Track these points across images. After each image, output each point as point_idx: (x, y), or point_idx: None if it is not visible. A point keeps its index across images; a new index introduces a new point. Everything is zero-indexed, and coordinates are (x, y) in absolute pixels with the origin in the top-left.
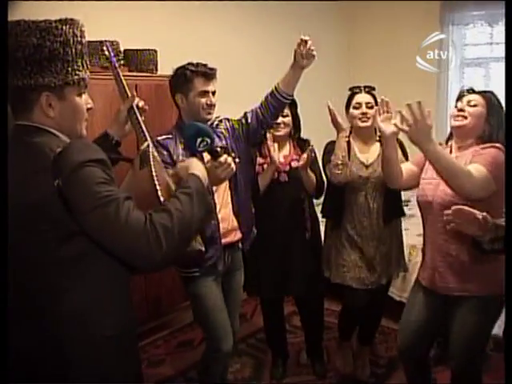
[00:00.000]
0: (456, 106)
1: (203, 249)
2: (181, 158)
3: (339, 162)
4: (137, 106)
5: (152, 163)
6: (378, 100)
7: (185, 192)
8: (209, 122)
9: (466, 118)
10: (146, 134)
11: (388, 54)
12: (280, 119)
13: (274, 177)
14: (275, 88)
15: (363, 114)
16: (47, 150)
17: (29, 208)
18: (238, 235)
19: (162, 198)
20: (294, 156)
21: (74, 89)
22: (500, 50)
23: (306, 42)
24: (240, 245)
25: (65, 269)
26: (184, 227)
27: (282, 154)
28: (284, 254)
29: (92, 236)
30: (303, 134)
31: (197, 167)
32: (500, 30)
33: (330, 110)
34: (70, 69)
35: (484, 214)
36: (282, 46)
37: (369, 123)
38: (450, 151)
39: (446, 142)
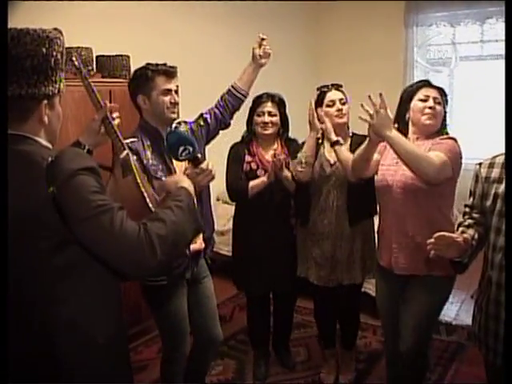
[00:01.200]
0: (420, 99)
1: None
2: (150, 162)
3: (303, 160)
4: (111, 114)
5: (135, 171)
6: (347, 96)
7: (177, 205)
8: (173, 125)
9: (435, 116)
10: (123, 142)
11: (354, 54)
12: (268, 118)
13: (261, 175)
14: (232, 86)
15: (339, 110)
16: (39, 159)
17: (21, 217)
18: (203, 243)
19: (150, 205)
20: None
21: (59, 97)
22: (462, 50)
23: (263, 39)
24: (204, 251)
25: (58, 277)
26: (177, 238)
27: (269, 153)
28: (272, 251)
29: (86, 245)
30: None
31: (186, 182)
32: (462, 29)
33: (309, 109)
34: (62, 77)
35: (465, 236)
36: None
37: (345, 119)
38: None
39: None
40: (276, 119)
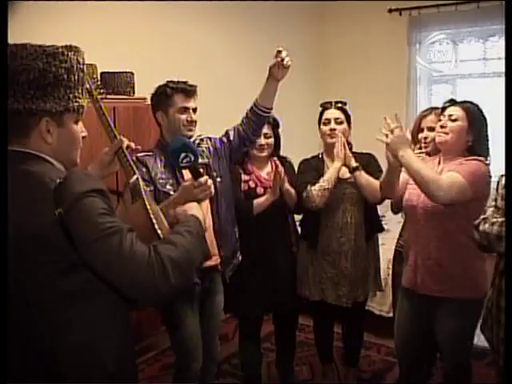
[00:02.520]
0: (440, 120)
1: (198, 281)
2: (159, 175)
3: (326, 187)
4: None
5: (145, 196)
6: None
7: (188, 230)
8: (191, 139)
9: (447, 133)
10: (134, 167)
11: (358, 69)
12: (264, 141)
13: (260, 193)
14: (254, 103)
15: (332, 130)
16: (47, 180)
17: (28, 239)
18: (218, 259)
19: (159, 231)
20: None
21: (73, 116)
22: (465, 67)
23: (280, 52)
24: (220, 267)
25: (65, 303)
26: (188, 262)
27: (265, 172)
28: (271, 270)
29: (95, 268)
30: None
31: (195, 209)
32: (464, 47)
33: (338, 141)
34: (71, 95)
35: None
36: (260, 62)
37: (335, 139)
38: (439, 162)
39: (431, 154)
40: (271, 141)
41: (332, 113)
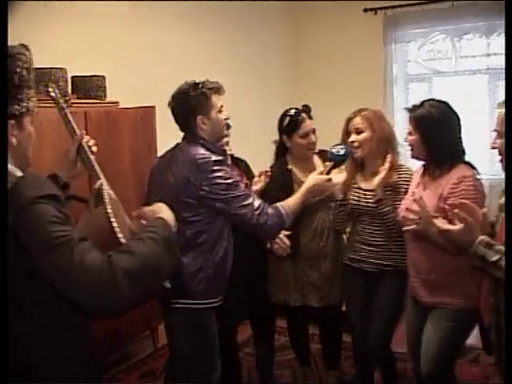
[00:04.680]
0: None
1: (169, 286)
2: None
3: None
4: (87, 144)
5: (107, 201)
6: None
7: (151, 236)
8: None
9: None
10: (99, 171)
11: (334, 69)
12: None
13: None
14: None
15: (312, 143)
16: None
17: None
18: None
19: (121, 237)
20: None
21: (29, 116)
22: (441, 65)
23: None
24: None
25: (25, 312)
26: (149, 272)
27: None
28: (247, 276)
29: (46, 279)
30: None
31: (167, 212)
32: (439, 46)
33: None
34: (29, 95)
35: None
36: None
37: (316, 151)
38: (424, 187)
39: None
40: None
41: (310, 124)
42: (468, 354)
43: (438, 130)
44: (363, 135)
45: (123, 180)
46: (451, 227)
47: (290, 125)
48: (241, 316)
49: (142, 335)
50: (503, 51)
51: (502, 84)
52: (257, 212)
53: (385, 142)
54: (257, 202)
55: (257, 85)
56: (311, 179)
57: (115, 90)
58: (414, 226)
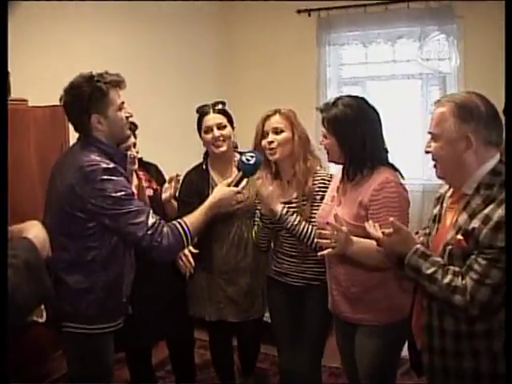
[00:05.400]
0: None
1: (41, 320)
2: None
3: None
4: None
5: None
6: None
7: (10, 262)
8: None
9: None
10: None
11: (267, 71)
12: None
13: None
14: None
15: (215, 138)
16: None
17: None
18: None
19: None
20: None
21: None
22: (374, 70)
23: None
24: None
25: None
26: None
27: (133, 185)
28: (158, 295)
29: None
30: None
31: (38, 231)
32: (374, 49)
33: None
34: None
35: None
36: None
37: (224, 147)
38: (344, 192)
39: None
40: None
41: (212, 118)
42: (401, 367)
43: (354, 130)
44: (283, 135)
45: (29, 179)
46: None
47: (198, 120)
48: (156, 336)
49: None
50: (436, 56)
51: (434, 89)
52: (150, 231)
53: (305, 144)
54: (151, 220)
55: (185, 86)
56: (217, 192)
57: (36, 89)
58: (329, 250)
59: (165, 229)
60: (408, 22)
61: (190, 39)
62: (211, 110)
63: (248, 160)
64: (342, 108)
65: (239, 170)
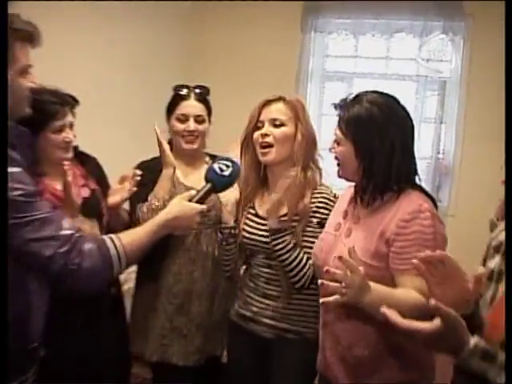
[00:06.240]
0: None
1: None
2: None
3: (154, 207)
4: None
5: None
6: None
7: None
8: None
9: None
10: None
11: (240, 59)
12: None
13: None
14: None
15: (189, 132)
16: None
17: None
18: None
19: None
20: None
21: None
22: (364, 65)
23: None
24: None
25: None
26: None
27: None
28: (90, 327)
29: None
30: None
31: None
32: (366, 42)
33: (158, 140)
34: None
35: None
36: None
37: (196, 145)
38: (356, 218)
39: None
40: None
41: (192, 106)
42: None
43: (381, 137)
44: (284, 129)
45: None
46: (421, 326)
47: (171, 101)
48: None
49: None
50: (438, 57)
51: (431, 94)
52: (62, 249)
53: (310, 147)
54: (65, 232)
55: (153, 79)
56: (173, 207)
57: None
58: (336, 297)
59: (87, 245)
60: (410, 14)
61: (158, 23)
62: (192, 95)
63: (222, 170)
64: (368, 106)
65: (207, 180)
